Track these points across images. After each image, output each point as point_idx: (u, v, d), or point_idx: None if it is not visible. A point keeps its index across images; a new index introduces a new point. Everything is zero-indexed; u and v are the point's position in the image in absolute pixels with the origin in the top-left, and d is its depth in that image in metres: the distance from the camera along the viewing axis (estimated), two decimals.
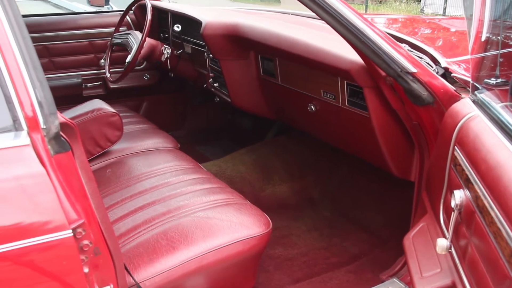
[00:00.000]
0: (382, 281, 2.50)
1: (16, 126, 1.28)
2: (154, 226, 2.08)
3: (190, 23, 3.63)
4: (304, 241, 3.05)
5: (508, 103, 1.65)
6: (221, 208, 2.18)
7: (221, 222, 2.08)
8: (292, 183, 3.63)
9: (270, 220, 2.16)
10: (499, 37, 1.75)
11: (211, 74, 3.60)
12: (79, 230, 1.32)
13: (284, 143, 3.96)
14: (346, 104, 2.59)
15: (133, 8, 4.12)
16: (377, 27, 1.95)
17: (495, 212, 1.34)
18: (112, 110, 2.81)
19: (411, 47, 2.30)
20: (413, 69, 1.97)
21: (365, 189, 3.38)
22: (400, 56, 1.96)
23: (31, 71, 1.28)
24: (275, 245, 2.96)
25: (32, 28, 3.60)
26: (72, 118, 2.62)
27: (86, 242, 1.35)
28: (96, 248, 1.39)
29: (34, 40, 1.40)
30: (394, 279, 2.44)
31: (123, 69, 3.59)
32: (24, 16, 1.29)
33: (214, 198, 2.25)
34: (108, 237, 1.49)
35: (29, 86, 1.28)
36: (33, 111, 1.28)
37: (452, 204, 1.61)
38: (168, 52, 3.82)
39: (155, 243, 1.97)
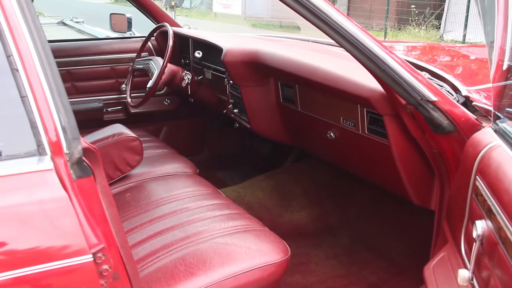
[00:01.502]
0: None
1: (40, 151, 1.29)
2: (172, 251, 2.08)
3: (211, 50, 3.67)
4: (322, 268, 3.03)
5: None
6: (240, 234, 2.17)
7: (240, 248, 2.08)
8: (310, 209, 3.62)
9: (288, 247, 2.15)
10: None
11: (231, 100, 3.62)
12: (99, 254, 1.32)
13: (302, 169, 3.96)
14: (366, 132, 2.59)
15: (154, 34, 4.16)
16: (396, 54, 1.95)
17: None
18: (133, 134, 2.83)
19: (431, 75, 2.29)
20: (433, 98, 1.97)
21: (385, 217, 3.36)
22: (420, 84, 1.96)
23: (56, 96, 1.30)
24: (293, 272, 2.95)
25: (56, 53, 3.64)
26: (93, 142, 2.64)
27: (105, 267, 1.36)
28: (115, 273, 1.39)
29: (58, 64, 1.42)
30: None
31: (144, 94, 3.63)
32: (48, 41, 1.33)
33: (233, 224, 2.25)
34: (127, 262, 1.49)
35: (53, 111, 1.29)
36: (57, 136, 1.29)
37: (474, 235, 1.59)
38: (188, 78, 3.86)
39: (173, 269, 1.97)
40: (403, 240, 3.17)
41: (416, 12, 17.41)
